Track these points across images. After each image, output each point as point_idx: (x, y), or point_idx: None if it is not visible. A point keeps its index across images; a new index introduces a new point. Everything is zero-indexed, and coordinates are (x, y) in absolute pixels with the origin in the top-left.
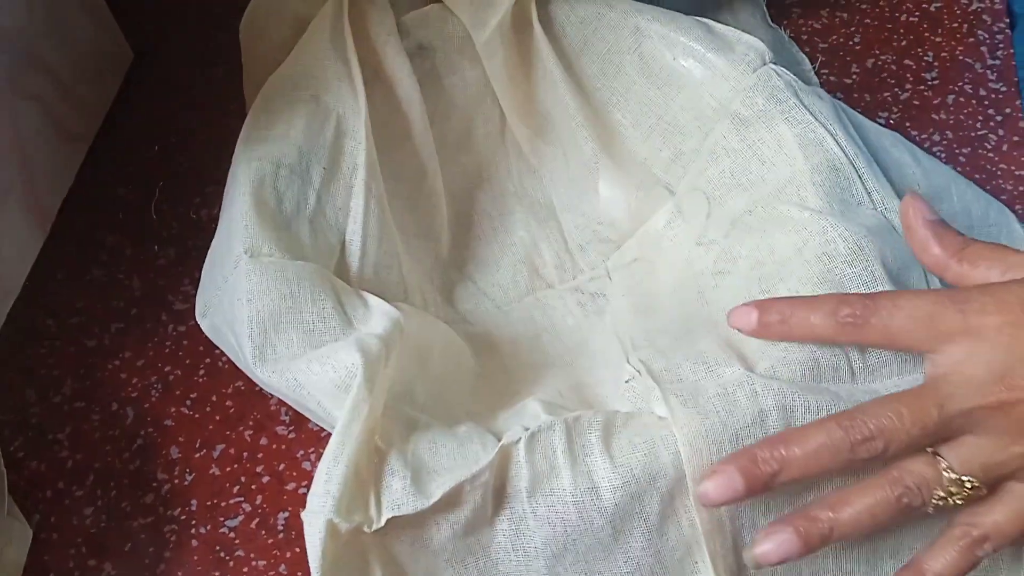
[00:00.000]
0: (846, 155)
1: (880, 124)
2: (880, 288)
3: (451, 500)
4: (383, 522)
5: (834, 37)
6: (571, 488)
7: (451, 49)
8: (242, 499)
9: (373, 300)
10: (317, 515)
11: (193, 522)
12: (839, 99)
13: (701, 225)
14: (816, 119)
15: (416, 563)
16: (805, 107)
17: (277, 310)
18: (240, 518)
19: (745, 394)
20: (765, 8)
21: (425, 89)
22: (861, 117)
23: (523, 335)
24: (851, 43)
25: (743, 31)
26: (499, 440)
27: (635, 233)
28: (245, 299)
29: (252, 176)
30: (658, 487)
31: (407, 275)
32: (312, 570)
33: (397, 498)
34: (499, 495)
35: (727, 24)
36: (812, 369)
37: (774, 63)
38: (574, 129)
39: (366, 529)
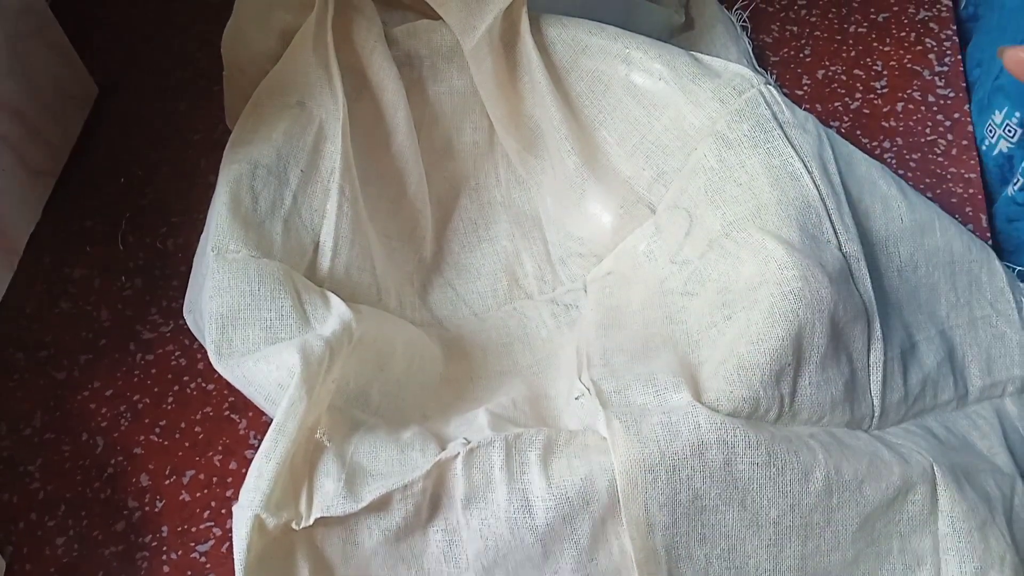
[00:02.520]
0: (819, 193)
1: (832, 132)
2: (821, 338)
3: (381, 506)
4: (312, 521)
5: (785, 50)
6: (505, 504)
7: (439, 58)
8: (212, 523)
9: (334, 301)
10: (245, 510)
11: (164, 548)
12: (834, 127)
13: (678, 243)
14: (797, 153)
15: (347, 565)
16: (788, 139)
17: (236, 307)
18: (211, 543)
19: (688, 426)
20: (751, 52)
21: (412, 97)
22: (852, 148)
23: (495, 343)
24: (802, 55)
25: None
26: (443, 447)
27: (615, 249)
28: (207, 296)
29: (231, 176)
30: (591, 511)
31: (381, 277)
32: (236, 562)
33: (328, 499)
34: (435, 505)
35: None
36: (753, 405)
37: (764, 87)
38: (560, 143)
39: (295, 526)
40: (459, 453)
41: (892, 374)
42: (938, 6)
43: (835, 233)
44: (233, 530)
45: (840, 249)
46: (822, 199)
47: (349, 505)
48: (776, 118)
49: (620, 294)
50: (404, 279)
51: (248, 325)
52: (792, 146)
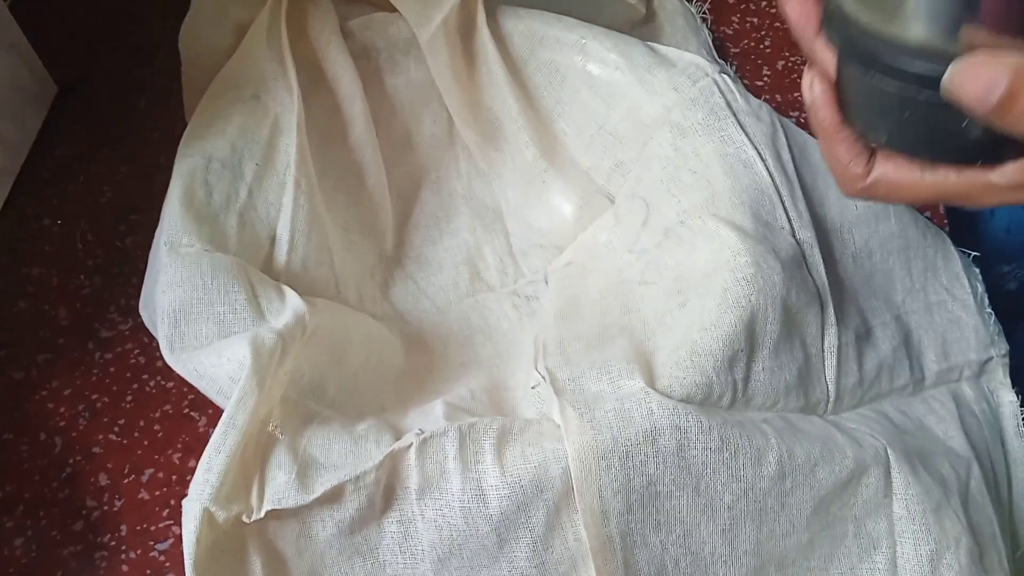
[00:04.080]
0: (773, 180)
1: (787, 121)
2: (774, 324)
3: (334, 497)
4: (263, 513)
5: (745, 42)
6: (459, 493)
7: (396, 51)
8: (172, 522)
9: (289, 294)
10: (194, 503)
11: (123, 547)
12: (793, 118)
13: (636, 232)
14: (750, 140)
15: (300, 558)
16: (741, 127)
17: (189, 301)
18: (170, 541)
19: (641, 412)
20: (711, 44)
21: (369, 90)
22: (807, 136)
23: (456, 335)
24: (762, 47)
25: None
26: (398, 438)
27: (575, 239)
28: (160, 290)
29: (185, 170)
30: (545, 499)
31: (340, 271)
32: (185, 556)
33: (279, 491)
34: (389, 496)
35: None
36: (706, 391)
37: (719, 75)
38: (518, 134)
39: (245, 519)
40: (412, 443)
41: (847, 359)
42: None
43: (788, 220)
44: (183, 524)
45: (794, 236)
46: (775, 186)
47: (301, 497)
48: (730, 106)
49: (579, 284)
50: (364, 273)
51: (201, 319)
52: (746, 133)
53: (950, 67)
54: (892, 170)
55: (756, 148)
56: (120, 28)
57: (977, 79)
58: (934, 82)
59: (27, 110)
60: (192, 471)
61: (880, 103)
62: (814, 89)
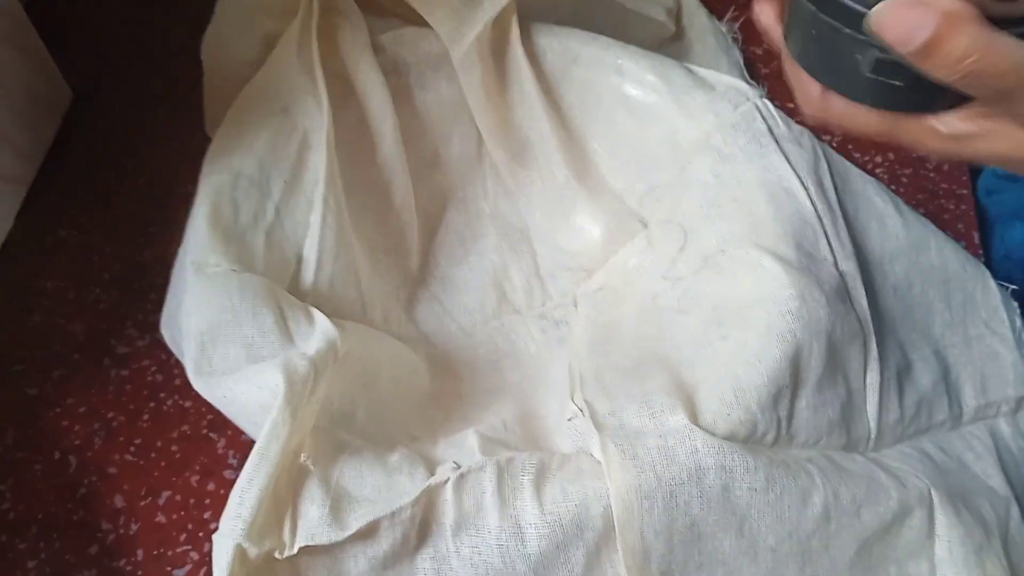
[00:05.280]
0: (815, 210)
1: (827, 147)
2: (819, 359)
3: (368, 533)
4: (295, 549)
5: (775, 62)
6: (496, 531)
7: (426, 67)
8: (190, 547)
9: (318, 316)
10: (226, 538)
11: (139, 573)
12: (825, 140)
13: (671, 259)
14: (793, 168)
15: None
16: (784, 154)
17: (216, 323)
18: (188, 567)
19: (685, 450)
20: (742, 63)
21: (399, 106)
22: (848, 164)
23: (484, 360)
24: None
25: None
26: (432, 471)
27: (606, 263)
28: (186, 312)
29: (211, 187)
30: (585, 539)
31: (366, 291)
32: None
33: (312, 527)
34: (423, 532)
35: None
36: (750, 428)
37: (759, 100)
38: (550, 154)
39: (277, 555)
40: (449, 478)
41: (888, 395)
42: None
43: (831, 251)
44: (213, 560)
45: (836, 267)
46: (818, 216)
47: (335, 533)
48: (772, 132)
49: (612, 310)
50: (390, 293)
51: (229, 342)
52: (788, 161)
53: (876, 6)
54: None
55: (799, 176)
56: (138, 35)
57: (903, 21)
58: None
59: (42, 117)
60: (210, 494)
61: (812, 35)
62: (763, 14)
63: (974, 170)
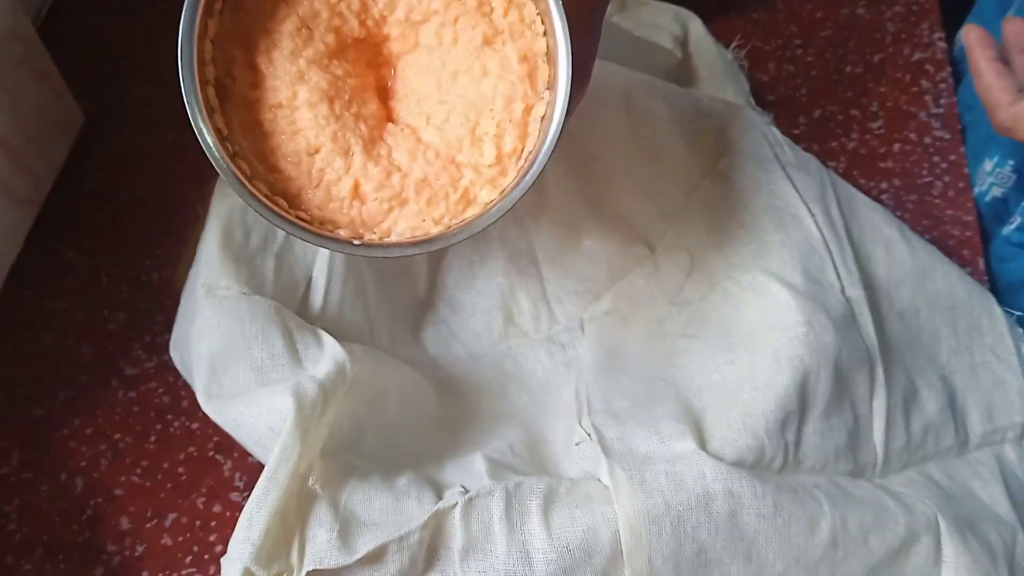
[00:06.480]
0: (822, 237)
1: (833, 174)
2: (826, 385)
3: (376, 557)
4: (304, 573)
5: (782, 89)
6: (504, 556)
7: None
8: (195, 570)
9: (327, 340)
10: (235, 562)
11: None
12: (831, 167)
13: (678, 284)
14: (800, 195)
15: None
16: (791, 181)
17: (226, 347)
18: None
19: (693, 475)
20: (749, 90)
21: None
22: (854, 191)
23: (491, 383)
24: (798, 95)
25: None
26: (439, 495)
27: (613, 287)
28: (197, 334)
29: (223, 211)
30: (593, 564)
31: (374, 314)
32: None
33: (321, 550)
34: (431, 557)
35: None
36: (758, 454)
37: (766, 127)
38: (559, 178)
39: None
40: (457, 503)
41: (895, 421)
42: (932, 48)
43: (838, 277)
44: None
45: (843, 293)
46: (825, 242)
47: (343, 557)
48: (779, 159)
49: (619, 334)
50: (397, 315)
51: (239, 365)
52: (795, 187)
53: None
54: None
55: (805, 203)
56: (149, 60)
57: None
58: None
59: (54, 139)
60: (216, 516)
61: None
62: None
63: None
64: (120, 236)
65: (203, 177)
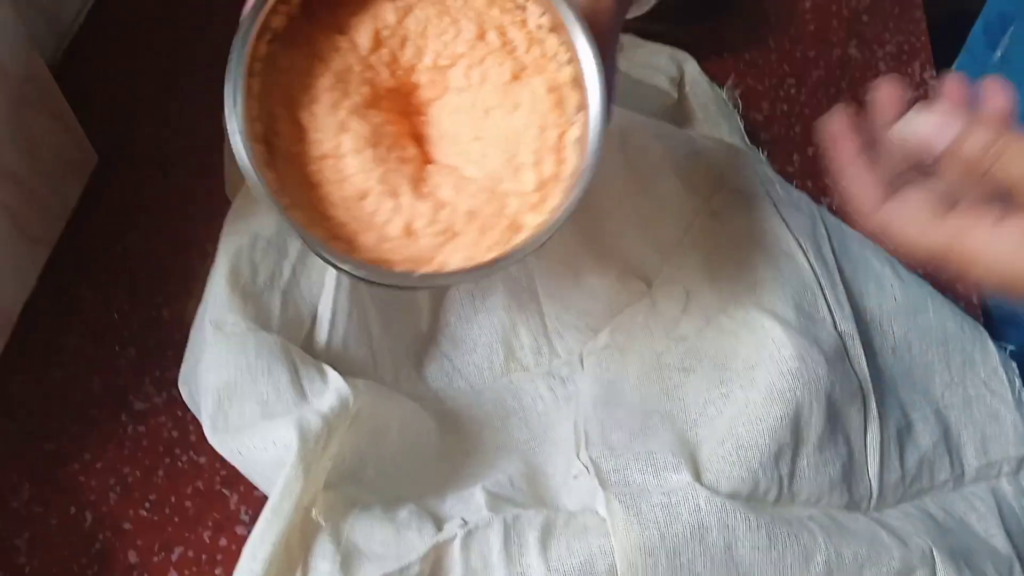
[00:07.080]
0: (814, 272)
1: (824, 211)
2: (819, 418)
3: None
4: None
5: (775, 128)
6: None
7: None
8: None
9: (332, 375)
10: None
11: None
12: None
13: (675, 319)
14: (791, 232)
15: None
16: (782, 218)
17: (233, 381)
18: None
19: (688, 508)
20: (743, 129)
21: None
22: (845, 227)
23: (492, 417)
24: (792, 133)
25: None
26: (440, 527)
27: (611, 322)
28: (204, 369)
29: (231, 248)
30: None
31: (378, 349)
32: None
33: None
34: None
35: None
36: (752, 486)
37: (759, 165)
38: None
39: None
40: (457, 535)
41: (889, 454)
42: (925, 87)
43: (830, 311)
44: None
45: (835, 328)
46: (817, 278)
47: None
48: (771, 196)
49: (616, 368)
50: (400, 350)
51: (245, 399)
52: (787, 224)
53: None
54: None
55: (797, 239)
56: (161, 102)
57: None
58: None
59: (68, 179)
60: (223, 550)
61: None
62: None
63: None
64: (131, 273)
65: (212, 215)
